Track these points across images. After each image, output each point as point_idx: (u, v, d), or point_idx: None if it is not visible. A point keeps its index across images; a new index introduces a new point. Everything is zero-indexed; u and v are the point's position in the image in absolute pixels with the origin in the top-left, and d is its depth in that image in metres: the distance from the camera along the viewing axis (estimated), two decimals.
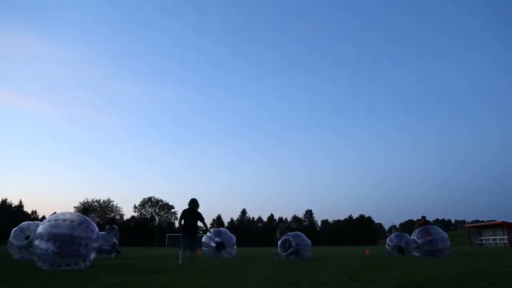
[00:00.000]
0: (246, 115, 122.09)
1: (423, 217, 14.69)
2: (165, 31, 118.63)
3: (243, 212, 78.24)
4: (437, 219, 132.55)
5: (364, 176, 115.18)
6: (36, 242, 7.74)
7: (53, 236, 7.61)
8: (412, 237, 13.18)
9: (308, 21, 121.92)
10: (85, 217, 8.47)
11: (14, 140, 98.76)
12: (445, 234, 12.75)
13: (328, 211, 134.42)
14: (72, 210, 75.61)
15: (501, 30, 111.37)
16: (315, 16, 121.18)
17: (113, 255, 13.34)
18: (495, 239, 36.97)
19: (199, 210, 8.41)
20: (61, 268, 7.42)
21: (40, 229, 7.89)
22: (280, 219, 75.41)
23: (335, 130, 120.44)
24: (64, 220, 7.90)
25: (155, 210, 77.73)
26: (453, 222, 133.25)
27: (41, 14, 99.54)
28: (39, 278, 5.98)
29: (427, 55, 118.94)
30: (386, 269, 7.31)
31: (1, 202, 63.79)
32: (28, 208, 67.72)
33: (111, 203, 75.03)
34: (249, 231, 72.73)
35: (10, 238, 12.03)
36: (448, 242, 12.62)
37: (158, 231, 66.17)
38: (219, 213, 76.90)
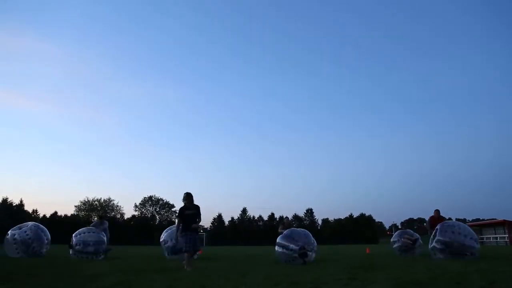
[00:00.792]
0: (246, 115, 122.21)
1: (437, 211, 11.93)
2: (165, 31, 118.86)
3: (244, 211, 78.35)
4: None
5: (365, 175, 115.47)
6: None
7: None
8: (436, 237, 10.29)
9: (308, 21, 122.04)
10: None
11: (14, 140, 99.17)
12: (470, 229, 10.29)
13: (329, 210, 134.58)
14: (73, 209, 76.02)
15: (501, 31, 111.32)
16: (315, 16, 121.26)
17: (101, 257, 11.67)
18: (496, 238, 36.95)
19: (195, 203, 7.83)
20: None
21: None
22: (281, 217, 75.47)
23: (335, 130, 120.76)
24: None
25: (155, 209, 77.87)
26: (453, 220, 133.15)
27: (41, 14, 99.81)
28: (40, 277, 5.99)
29: (427, 55, 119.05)
30: (386, 268, 7.30)
31: (2, 201, 63.98)
32: (29, 207, 68.04)
33: (112, 202, 75.22)
34: (250, 230, 72.82)
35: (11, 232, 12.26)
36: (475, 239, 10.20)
37: (159, 230, 66.21)
38: (220, 212, 77.07)
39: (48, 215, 69.77)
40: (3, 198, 64.38)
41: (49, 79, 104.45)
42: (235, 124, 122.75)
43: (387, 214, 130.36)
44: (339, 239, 69.03)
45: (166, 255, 12.18)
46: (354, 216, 79.86)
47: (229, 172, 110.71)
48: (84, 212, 73.78)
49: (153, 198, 77.55)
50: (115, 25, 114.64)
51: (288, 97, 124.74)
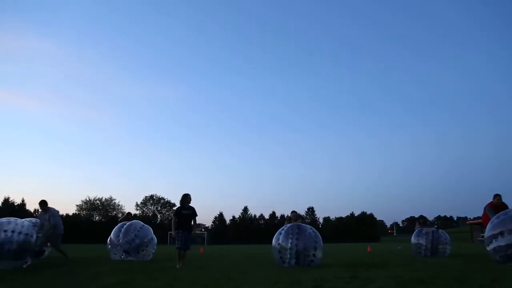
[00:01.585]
0: (246, 115, 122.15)
1: (498, 196, 8.65)
2: (165, 31, 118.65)
3: (245, 209, 78.42)
4: (439, 216, 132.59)
5: (365, 174, 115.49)
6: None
7: None
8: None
9: (308, 21, 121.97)
10: None
11: (15, 139, 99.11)
12: None
13: (330, 208, 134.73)
14: (74, 208, 76.06)
15: (501, 31, 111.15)
16: (315, 16, 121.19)
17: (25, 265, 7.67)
18: None
19: (191, 205, 8.27)
20: None
21: None
22: (283, 216, 75.48)
23: (335, 129, 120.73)
24: None
25: (157, 208, 77.98)
26: (455, 219, 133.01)
27: (41, 14, 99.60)
28: (42, 276, 6.00)
29: (427, 55, 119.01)
30: (388, 266, 7.30)
31: (4, 200, 64.14)
32: (30, 207, 68.10)
33: (113, 201, 75.31)
34: (251, 228, 72.86)
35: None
36: None
37: (160, 229, 66.47)
38: (221, 210, 77.17)
39: None
40: (4, 198, 64.55)
41: (49, 79, 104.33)
42: (235, 124, 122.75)
43: (389, 213, 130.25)
44: (340, 237, 69.04)
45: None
46: (355, 215, 79.85)
47: (229, 172, 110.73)
48: (86, 211, 73.93)
49: (154, 197, 77.72)
50: (115, 25, 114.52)
51: (288, 97, 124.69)
